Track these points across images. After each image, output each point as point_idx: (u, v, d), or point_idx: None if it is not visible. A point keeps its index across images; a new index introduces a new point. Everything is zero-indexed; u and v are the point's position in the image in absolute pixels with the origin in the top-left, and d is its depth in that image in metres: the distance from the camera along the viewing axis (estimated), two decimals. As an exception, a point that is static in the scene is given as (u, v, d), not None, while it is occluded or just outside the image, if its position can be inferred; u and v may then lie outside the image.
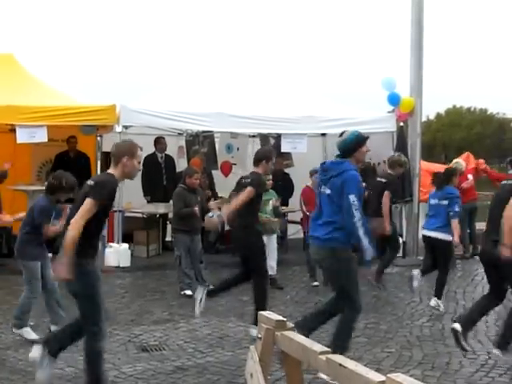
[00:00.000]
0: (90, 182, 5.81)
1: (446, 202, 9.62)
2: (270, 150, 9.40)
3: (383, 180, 10.86)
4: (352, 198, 6.46)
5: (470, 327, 7.44)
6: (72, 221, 5.56)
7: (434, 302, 9.57)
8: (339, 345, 6.52)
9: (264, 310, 8.20)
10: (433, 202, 9.90)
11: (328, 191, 6.70)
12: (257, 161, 8.63)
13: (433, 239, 9.69)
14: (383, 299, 10.34)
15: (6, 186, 12.27)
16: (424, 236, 10.01)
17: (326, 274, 6.78)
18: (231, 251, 11.70)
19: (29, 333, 7.78)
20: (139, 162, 6.00)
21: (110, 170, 5.93)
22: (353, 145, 6.87)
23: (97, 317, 5.82)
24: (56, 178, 7.79)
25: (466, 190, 13.96)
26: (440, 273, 9.73)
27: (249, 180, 8.44)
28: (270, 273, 11.01)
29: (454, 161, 14.97)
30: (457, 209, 9.51)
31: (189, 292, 10.25)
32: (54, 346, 6.09)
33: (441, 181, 9.96)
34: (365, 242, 6.40)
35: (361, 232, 6.40)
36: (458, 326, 7.21)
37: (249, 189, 8.24)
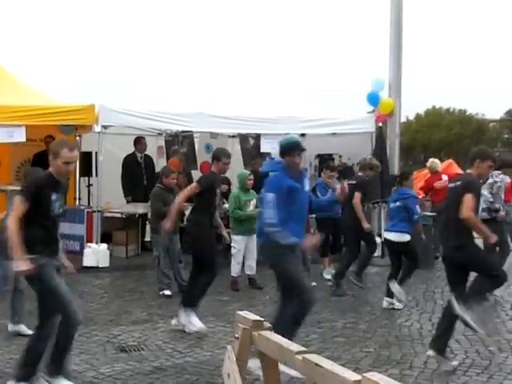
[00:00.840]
0: None
1: (399, 204, 9.83)
2: (222, 149, 9.49)
3: (353, 182, 11.00)
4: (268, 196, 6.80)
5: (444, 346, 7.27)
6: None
7: (385, 303, 9.82)
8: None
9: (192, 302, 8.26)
10: (392, 205, 10.06)
11: None
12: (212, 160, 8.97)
13: (390, 241, 9.92)
14: (362, 299, 10.38)
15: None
16: (385, 239, 10.22)
17: None
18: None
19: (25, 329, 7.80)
20: (65, 163, 5.95)
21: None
22: (284, 148, 6.98)
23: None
24: (27, 176, 7.92)
25: (440, 189, 13.95)
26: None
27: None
28: (249, 272, 11.07)
29: (430, 160, 15.07)
30: (418, 210, 9.86)
31: (168, 292, 10.25)
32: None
33: (394, 185, 10.36)
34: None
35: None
36: (431, 352, 7.15)
37: (193, 184, 8.68)
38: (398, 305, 9.76)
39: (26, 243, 5.77)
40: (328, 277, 11.88)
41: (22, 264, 5.66)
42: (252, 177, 11.12)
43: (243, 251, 10.94)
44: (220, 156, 8.78)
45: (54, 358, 6.03)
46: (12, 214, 5.81)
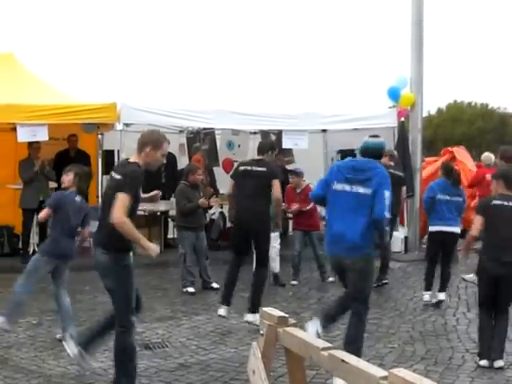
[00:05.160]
0: (117, 176, 5.82)
1: (458, 198, 9.72)
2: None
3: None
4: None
5: None
6: (116, 219, 5.65)
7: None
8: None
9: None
10: (450, 198, 9.77)
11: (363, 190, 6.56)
12: None
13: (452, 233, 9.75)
14: (385, 295, 10.35)
15: (6, 184, 12.34)
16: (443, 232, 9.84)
17: (352, 276, 6.69)
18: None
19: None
20: (163, 155, 6.09)
21: (134, 158, 5.94)
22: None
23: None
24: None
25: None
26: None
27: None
28: (273, 270, 11.02)
29: (485, 153, 14.69)
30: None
31: (191, 289, 10.27)
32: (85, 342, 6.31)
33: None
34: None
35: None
36: None
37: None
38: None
39: (123, 241, 5.91)
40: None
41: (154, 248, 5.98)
42: None
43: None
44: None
45: None
46: (120, 211, 5.65)
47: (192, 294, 10.18)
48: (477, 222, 7.20)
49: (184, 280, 10.44)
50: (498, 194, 7.22)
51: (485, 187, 13.44)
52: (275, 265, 10.92)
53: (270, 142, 9.32)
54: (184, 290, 10.33)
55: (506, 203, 7.08)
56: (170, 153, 14.29)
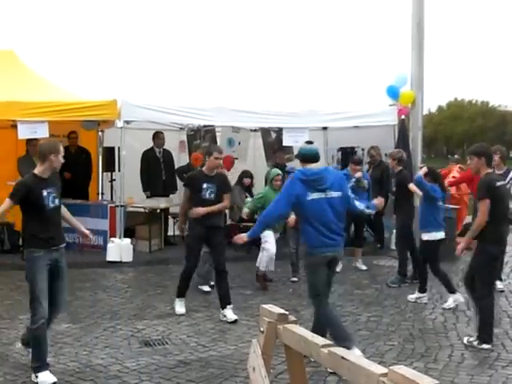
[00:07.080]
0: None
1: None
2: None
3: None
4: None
5: None
6: None
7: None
8: None
9: None
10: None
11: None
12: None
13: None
14: (386, 292, 10.34)
15: (7, 181, 12.30)
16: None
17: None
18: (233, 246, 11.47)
19: None
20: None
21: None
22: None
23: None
24: None
25: None
26: None
27: None
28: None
29: None
30: None
31: (207, 288, 10.12)
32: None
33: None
34: None
35: None
36: None
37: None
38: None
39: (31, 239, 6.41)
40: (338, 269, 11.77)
41: None
42: (280, 177, 10.79)
43: (275, 245, 10.73)
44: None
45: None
46: None
47: (207, 293, 10.06)
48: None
49: (203, 278, 10.25)
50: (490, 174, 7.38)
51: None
52: (264, 262, 10.78)
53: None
54: (200, 287, 10.16)
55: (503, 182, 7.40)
56: (166, 149, 14.36)
